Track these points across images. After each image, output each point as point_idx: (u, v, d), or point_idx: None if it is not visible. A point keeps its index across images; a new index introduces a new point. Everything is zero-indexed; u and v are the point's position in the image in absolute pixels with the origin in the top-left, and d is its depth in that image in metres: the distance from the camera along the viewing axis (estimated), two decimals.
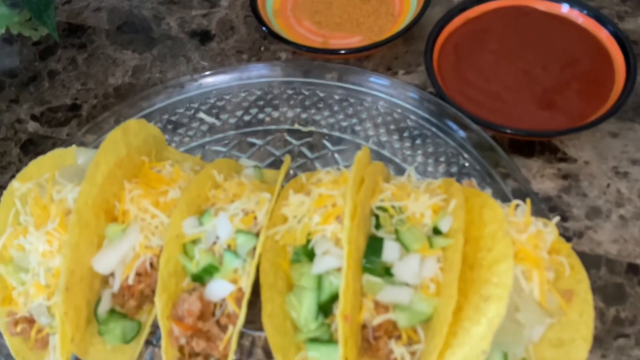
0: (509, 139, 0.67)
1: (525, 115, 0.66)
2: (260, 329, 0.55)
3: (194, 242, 0.54)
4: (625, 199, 0.62)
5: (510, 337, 0.49)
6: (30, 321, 0.54)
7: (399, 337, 0.51)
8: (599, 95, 0.66)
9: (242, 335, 0.57)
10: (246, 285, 0.51)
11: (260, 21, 0.75)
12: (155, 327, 0.56)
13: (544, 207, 0.62)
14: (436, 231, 0.53)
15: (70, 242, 0.51)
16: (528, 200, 0.54)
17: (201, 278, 0.52)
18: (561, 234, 0.59)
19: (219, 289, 0.52)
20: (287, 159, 0.59)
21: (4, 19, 0.68)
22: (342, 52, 0.72)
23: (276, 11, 0.79)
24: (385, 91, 0.68)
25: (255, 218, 0.54)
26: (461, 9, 0.73)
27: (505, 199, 0.59)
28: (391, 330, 0.51)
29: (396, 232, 0.53)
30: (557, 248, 0.53)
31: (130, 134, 0.58)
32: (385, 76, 0.69)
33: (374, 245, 0.52)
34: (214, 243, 0.53)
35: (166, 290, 0.52)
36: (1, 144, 0.72)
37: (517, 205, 0.54)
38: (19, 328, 0.54)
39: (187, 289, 0.53)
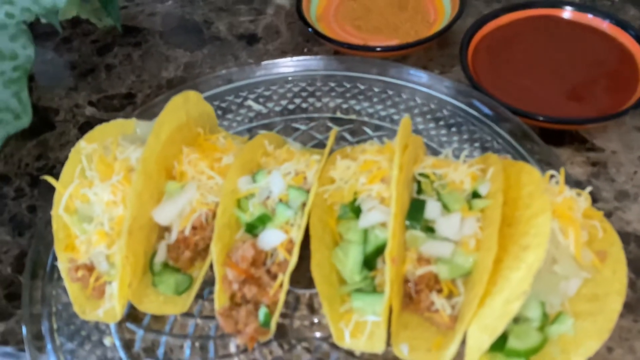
0: (539, 130, 0.71)
1: (556, 106, 0.70)
2: (306, 287, 0.59)
3: (248, 198, 0.57)
4: None
5: (548, 287, 0.51)
6: (90, 268, 0.57)
7: (440, 291, 0.54)
8: (625, 91, 0.71)
9: (288, 292, 0.59)
10: (297, 235, 0.54)
11: (306, 23, 0.81)
12: (205, 283, 0.59)
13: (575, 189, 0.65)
14: (475, 195, 0.56)
15: (135, 189, 0.55)
16: (562, 169, 0.57)
17: (254, 228, 0.56)
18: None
19: (271, 237, 0.55)
20: (334, 130, 0.63)
21: (74, 5, 0.74)
22: (380, 49, 0.77)
23: (319, 16, 0.84)
24: (423, 83, 0.73)
25: (305, 178, 0.58)
26: (493, 16, 0.79)
27: None
28: (432, 284, 0.54)
29: (437, 194, 0.57)
30: (590, 215, 0.56)
31: (190, 103, 0.63)
32: (422, 70, 0.73)
33: (416, 205, 0.56)
34: (267, 198, 0.57)
35: (221, 239, 0.55)
36: (60, 125, 0.77)
37: (552, 176, 0.58)
38: (79, 273, 0.57)
39: (240, 240, 0.56)
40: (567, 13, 0.78)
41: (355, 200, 0.57)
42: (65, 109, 0.79)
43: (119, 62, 0.84)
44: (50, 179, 0.57)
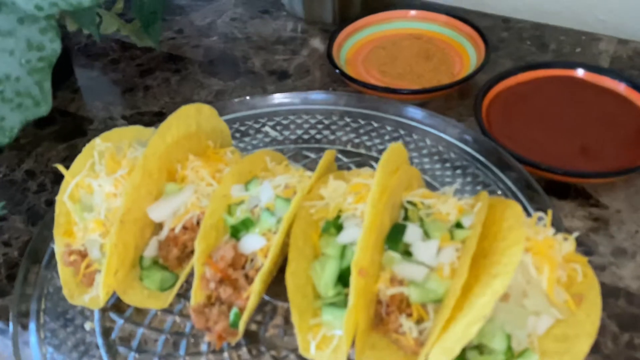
0: (545, 181, 0.71)
1: (565, 161, 0.70)
2: (285, 300, 0.60)
3: (238, 204, 0.60)
4: None
5: (516, 320, 0.51)
6: (83, 255, 0.60)
7: (410, 315, 0.54)
8: (636, 153, 0.70)
9: (265, 302, 0.61)
10: (275, 241, 0.56)
11: (334, 64, 0.84)
12: (189, 283, 0.61)
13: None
14: (458, 226, 0.57)
15: (132, 182, 0.58)
16: (549, 211, 0.57)
17: (238, 232, 0.58)
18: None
19: (251, 242, 0.57)
20: (329, 150, 0.65)
21: (115, 21, 0.81)
22: (401, 92, 0.80)
23: (348, 60, 0.88)
24: (434, 126, 0.75)
25: (295, 192, 0.60)
26: (512, 72, 0.80)
27: None
28: (404, 307, 0.55)
29: (420, 220, 0.58)
30: (573, 259, 0.56)
31: (202, 116, 0.67)
32: (435, 114, 0.75)
33: (397, 228, 0.56)
34: (256, 206, 0.59)
35: (206, 239, 0.57)
36: (91, 133, 0.82)
37: (540, 219, 0.58)
38: (72, 258, 0.60)
39: (224, 242, 0.58)
40: (585, 74, 0.79)
41: (339, 217, 0.58)
42: (99, 119, 0.85)
43: (157, 84, 0.90)
44: (60, 167, 0.62)
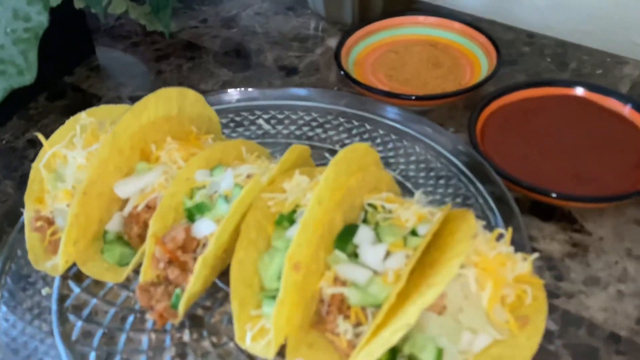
0: (530, 202, 0.68)
1: (557, 182, 0.67)
2: None
3: (200, 189, 0.60)
4: (630, 278, 0.61)
5: (449, 334, 0.49)
6: (50, 222, 0.62)
7: (348, 317, 0.53)
8: (635, 180, 0.67)
9: (219, 289, 0.61)
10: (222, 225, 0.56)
11: (339, 65, 0.84)
12: None
13: (543, 264, 0.62)
14: (414, 234, 0.56)
15: (99, 155, 0.59)
16: (509, 229, 0.55)
17: (193, 215, 0.58)
18: (551, 291, 0.59)
19: (203, 226, 0.57)
20: (294, 145, 0.64)
21: (123, 1, 0.83)
22: (404, 97, 0.78)
23: (358, 61, 0.87)
24: (425, 134, 0.73)
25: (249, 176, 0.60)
26: (517, 87, 0.78)
27: None
28: (344, 308, 0.54)
29: (376, 224, 0.57)
30: (527, 280, 0.54)
31: (186, 100, 0.67)
32: (429, 122, 0.74)
33: (349, 229, 0.56)
34: (215, 192, 0.59)
35: (162, 219, 0.58)
36: None
37: (501, 235, 0.55)
38: (38, 224, 0.62)
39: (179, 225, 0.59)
40: (589, 94, 0.76)
41: (295, 212, 0.58)
42: (107, 98, 0.87)
43: (170, 70, 0.92)
44: (40, 136, 0.64)
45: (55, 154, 0.63)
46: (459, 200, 0.67)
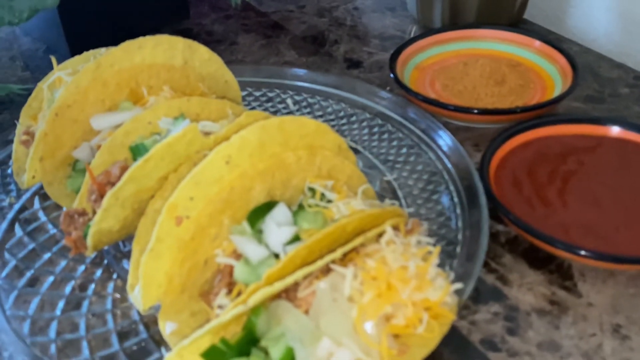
0: (528, 244, 0.58)
1: (564, 230, 0.56)
2: None
3: (159, 134, 0.59)
4: (600, 357, 0.48)
5: (303, 335, 0.43)
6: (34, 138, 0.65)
7: (231, 292, 0.49)
8: None
9: None
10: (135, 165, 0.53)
11: (392, 66, 0.78)
12: None
13: (502, 311, 0.52)
14: None
15: (77, 80, 0.60)
16: (438, 247, 0.47)
17: (135, 155, 0.57)
18: (493, 343, 0.50)
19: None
20: (255, 112, 0.59)
21: None
22: (446, 106, 0.71)
23: (418, 65, 0.81)
24: (433, 138, 0.66)
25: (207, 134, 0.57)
26: (556, 121, 0.67)
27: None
28: (234, 282, 0.49)
29: (300, 206, 0.51)
30: (436, 312, 0.45)
31: (195, 55, 0.67)
32: (440, 127, 0.66)
33: (268, 205, 0.51)
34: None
35: (111, 154, 0.57)
36: None
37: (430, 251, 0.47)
38: (24, 137, 0.65)
39: None
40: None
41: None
42: None
43: (244, 42, 0.93)
44: (53, 59, 0.67)
45: (60, 78, 0.66)
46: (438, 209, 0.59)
